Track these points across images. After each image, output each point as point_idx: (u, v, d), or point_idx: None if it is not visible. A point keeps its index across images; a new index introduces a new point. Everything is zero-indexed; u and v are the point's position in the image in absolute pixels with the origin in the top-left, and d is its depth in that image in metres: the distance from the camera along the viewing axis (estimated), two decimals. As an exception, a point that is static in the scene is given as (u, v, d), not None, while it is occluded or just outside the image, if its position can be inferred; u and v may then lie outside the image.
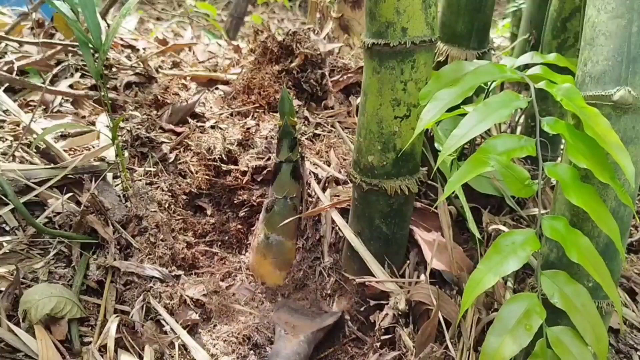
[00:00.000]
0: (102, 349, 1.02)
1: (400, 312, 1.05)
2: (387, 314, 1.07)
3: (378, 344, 1.06)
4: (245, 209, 1.39)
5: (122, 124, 1.44)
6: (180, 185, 1.38)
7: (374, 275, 1.11)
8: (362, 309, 1.15)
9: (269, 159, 1.39)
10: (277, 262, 1.23)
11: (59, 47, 1.69)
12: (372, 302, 1.12)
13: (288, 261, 1.24)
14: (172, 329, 1.08)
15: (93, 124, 1.51)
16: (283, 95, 1.19)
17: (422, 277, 1.12)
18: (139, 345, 1.05)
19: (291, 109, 1.21)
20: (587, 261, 0.75)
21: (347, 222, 1.19)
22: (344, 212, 1.23)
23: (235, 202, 1.39)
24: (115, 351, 1.02)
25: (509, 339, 0.75)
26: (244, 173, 1.39)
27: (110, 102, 1.32)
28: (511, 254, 0.76)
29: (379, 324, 1.07)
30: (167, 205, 1.32)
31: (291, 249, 1.25)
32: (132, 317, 1.09)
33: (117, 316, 1.07)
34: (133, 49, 1.92)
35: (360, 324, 1.14)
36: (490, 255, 0.77)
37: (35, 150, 1.35)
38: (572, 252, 0.75)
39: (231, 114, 1.56)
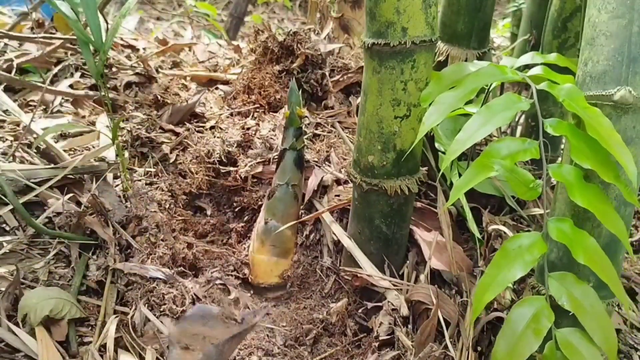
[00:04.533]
0: (102, 349, 1.02)
1: (399, 314, 1.05)
2: (386, 314, 1.07)
3: (377, 344, 1.06)
4: (245, 210, 1.38)
5: (122, 124, 1.44)
6: (180, 186, 1.38)
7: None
8: (361, 309, 1.15)
9: (269, 159, 1.39)
10: (275, 249, 1.22)
11: (58, 43, 1.69)
12: (372, 303, 1.12)
13: (287, 251, 1.23)
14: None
15: (93, 124, 1.51)
16: (292, 87, 1.30)
17: (422, 277, 1.12)
18: (139, 345, 1.05)
19: (298, 99, 1.28)
20: (593, 262, 0.74)
21: (347, 222, 1.19)
22: (344, 212, 1.23)
23: (235, 202, 1.39)
24: (115, 351, 1.02)
25: (518, 342, 0.75)
26: (243, 176, 1.38)
27: (110, 102, 1.32)
28: (518, 258, 0.76)
29: (378, 324, 1.07)
30: (167, 206, 1.32)
31: (290, 238, 1.24)
32: (133, 317, 1.08)
33: (116, 316, 1.07)
34: (133, 48, 1.92)
35: (360, 324, 1.14)
36: (498, 260, 0.77)
37: (35, 151, 1.35)
38: (578, 253, 0.75)
39: (231, 114, 1.56)
